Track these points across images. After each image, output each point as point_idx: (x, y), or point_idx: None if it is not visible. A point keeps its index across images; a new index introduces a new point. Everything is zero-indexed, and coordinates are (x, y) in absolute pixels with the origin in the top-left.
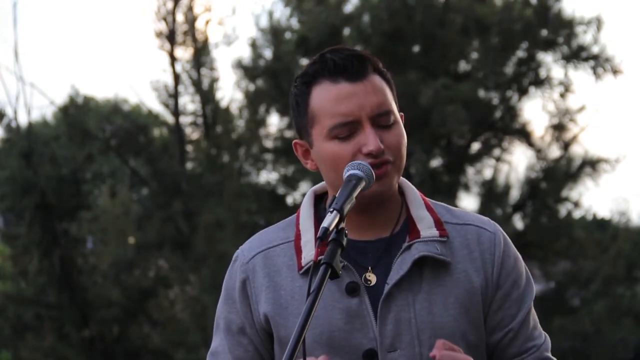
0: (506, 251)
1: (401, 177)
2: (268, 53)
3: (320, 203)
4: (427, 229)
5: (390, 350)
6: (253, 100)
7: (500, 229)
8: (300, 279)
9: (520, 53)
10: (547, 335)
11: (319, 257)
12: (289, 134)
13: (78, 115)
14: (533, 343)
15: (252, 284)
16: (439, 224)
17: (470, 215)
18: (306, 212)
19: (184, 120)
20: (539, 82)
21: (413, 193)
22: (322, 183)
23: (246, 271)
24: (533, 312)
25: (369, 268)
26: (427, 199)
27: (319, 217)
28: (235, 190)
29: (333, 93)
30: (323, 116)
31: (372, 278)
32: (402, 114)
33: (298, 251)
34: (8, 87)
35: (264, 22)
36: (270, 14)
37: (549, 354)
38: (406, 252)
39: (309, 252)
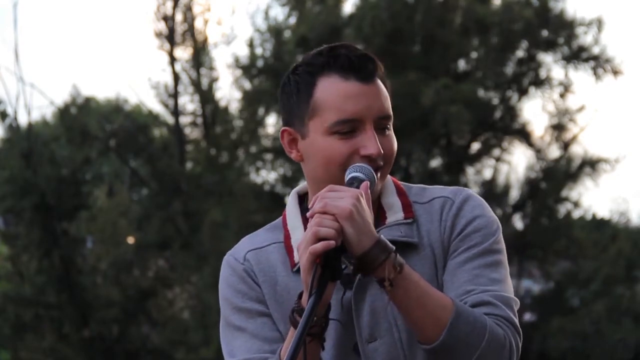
0: (460, 212)
1: None
2: (267, 52)
3: (302, 203)
4: (393, 214)
5: (370, 341)
6: (252, 100)
7: (466, 193)
8: (294, 276)
9: (521, 53)
10: (515, 299)
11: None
12: None
13: (78, 115)
14: (472, 287)
15: (254, 276)
16: (406, 206)
17: (440, 190)
18: (293, 212)
19: (184, 120)
20: (539, 82)
21: (386, 182)
22: (304, 183)
23: (244, 265)
24: (492, 270)
25: (351, 262)
26: (401, 183)
27: (306, 217)
28: (235, 190)
29: (343, 89)
30: (327, 110)
31: None
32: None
33: (289, 250)
34: (8, 87)
35: (260, 21)
36: (267, 13)
37: (496, 301)
38: None
39: None
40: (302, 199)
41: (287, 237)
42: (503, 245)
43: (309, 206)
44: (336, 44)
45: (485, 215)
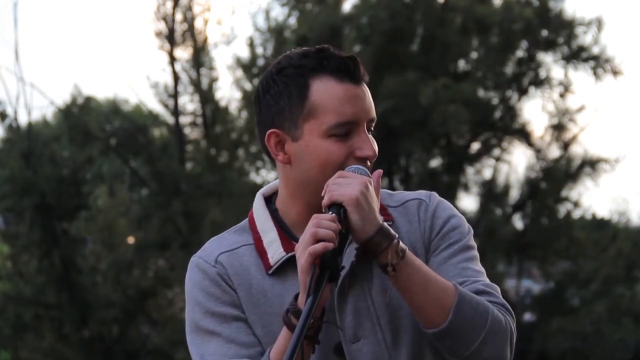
0: (436, 212)
1: None
2: (267, 52)
3: (269, 205)
4: None
5: (354, 341)
6: (252, 100)
7: (435, 195)
8: (269, 279)
9: (520, 53)
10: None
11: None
12: None
13: (79, 115)
14: (463, 279)
15: (228, 279)
16: (383, 209)
17: (409, 194)
18: (262, 215)
19: (184, 120)
20: (539, 82)
21: None
22: (269, 185)
23: (217, 268)
24: (474, 263)
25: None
26: None
27: (277, 218)
28: (235, 190)
29: (340, 91)
30: (325, 112)
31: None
32: None
33: (262, 252)
34: (8, 87)
35: (261, 21)
36: (267, 14)
37: (491, 290)
38: (353, 242)
39: (275, 252)
40: (268, 200)
41: (258, 239)
42: (474, 242)
43: (322, 193)
44: (319, 46)
45: (457, 215)
